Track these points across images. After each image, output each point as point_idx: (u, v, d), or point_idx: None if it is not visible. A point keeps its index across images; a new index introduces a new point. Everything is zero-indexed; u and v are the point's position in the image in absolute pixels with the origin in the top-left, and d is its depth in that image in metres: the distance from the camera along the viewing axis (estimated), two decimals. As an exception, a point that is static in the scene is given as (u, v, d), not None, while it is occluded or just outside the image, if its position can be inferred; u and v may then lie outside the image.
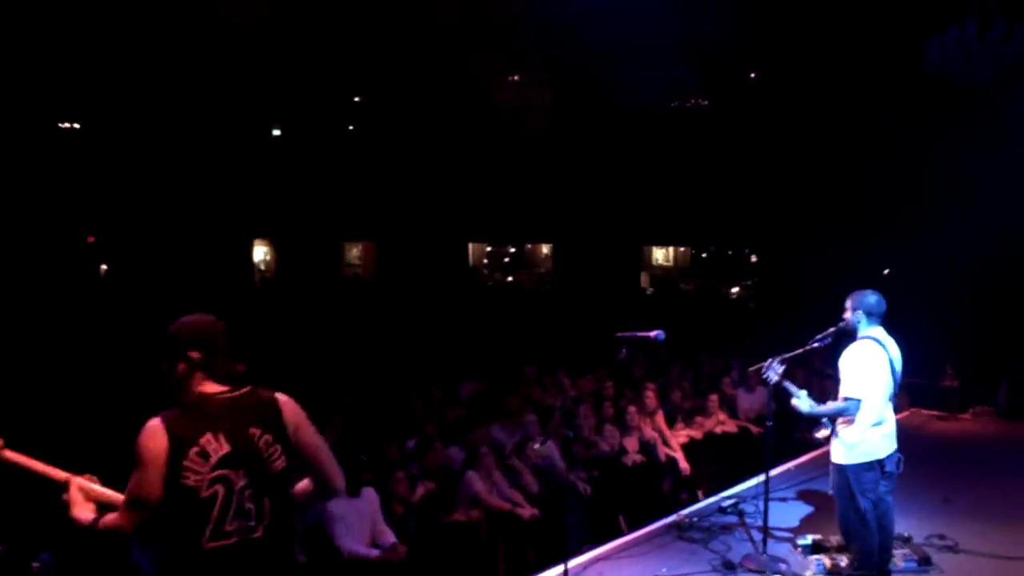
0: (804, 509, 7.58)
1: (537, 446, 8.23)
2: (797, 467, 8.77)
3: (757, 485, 7.25)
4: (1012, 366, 11.32)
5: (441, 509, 7.23)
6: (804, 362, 10.92)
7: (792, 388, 5.96)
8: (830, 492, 5.93)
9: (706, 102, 18.24)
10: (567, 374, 10.71)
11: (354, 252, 23.87)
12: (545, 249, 23.56)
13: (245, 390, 3.23)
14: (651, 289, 21.64)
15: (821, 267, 14.01)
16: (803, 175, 15.37)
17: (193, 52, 15.90)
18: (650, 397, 9.66)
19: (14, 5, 14.03)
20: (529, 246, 24.56)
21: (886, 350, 5.73)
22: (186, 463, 3.00)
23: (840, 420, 5.73)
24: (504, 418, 8.90)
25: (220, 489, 3.06)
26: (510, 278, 23.53)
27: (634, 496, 8.37)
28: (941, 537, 6.84)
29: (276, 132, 20.31)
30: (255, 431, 3.15)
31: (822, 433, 5.88)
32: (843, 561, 6.16)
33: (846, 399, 5.62)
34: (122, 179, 16.99)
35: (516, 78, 19.45)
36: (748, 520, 7.19)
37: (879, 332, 5.78)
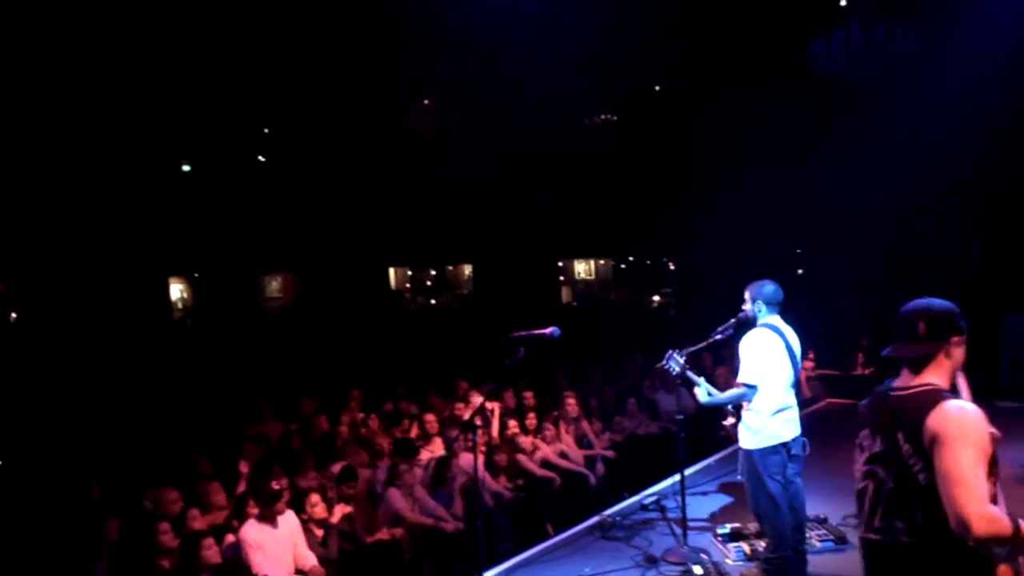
0: (723, 500, 7.71)
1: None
2: (717, 461, 8.91)
3: (677, 481, 7.34)
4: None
5: (363, 529, 7.16)
6: (726, 361, 11.15)
7: (694, 377, 6.07)
8: (739, 478, 6.03)
9: (615, 117, 18.55)
10: (489, 388, 10.71)
11: (274, 285, 23.56)
12: (467, 270, 23.59)
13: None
14: (574, 302, 21.82)
15: (734, 270, 14.29)
16: (710, 181, 15.69)
17: (95, 90, 15.57)
18: (571, 405, 9.76)
19: None
20: (451, 268, 24.57)
21: (783, 337, 5.87)
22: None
23: (744, 407, 5.84)
24: (425, 435, 8.89)
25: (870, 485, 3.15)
26: (433, 300, 23.48)
27: (560, 502, 8.41)
28: (856, 516, 6.98)
29: (185, 168, 19.97)
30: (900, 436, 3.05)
31: (728, 421, 6.00)
32: (761, 546, 6.27)
33: (743, 385, 5.74)
34: (28, 223, 16.51)
35: (427, 101, 19.49)
36: (669, 515, 7.28)
37: (776, 320, 5.92)
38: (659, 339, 14.68)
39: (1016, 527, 2.84)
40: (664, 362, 6.23)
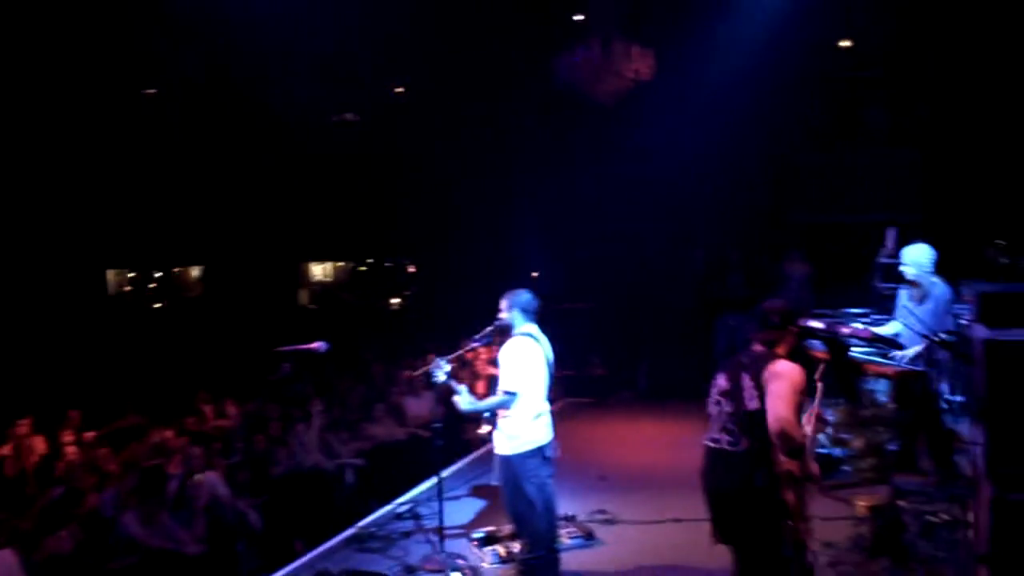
0: (476, 504, 7.81)
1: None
2: (467, 465, 9.03)
3: (431, 488, 7.36)
4: (648, 352, 12.52)
5: (96, 558, 6.54)
6: (467, 364, 11.32)
7: (455, 386, 6.08)
8: (494, 483, 6.13)
9: (357, 117, 18.27)
10: (231, 400, 10.19)
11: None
12: (196, 272, 22.31)
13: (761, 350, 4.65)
14: (312, 305, 21.28)
15: (475, 274, 14.57)
16: (451, 186, 15.90)
17: None
18: (317, 414, 9.50)
19: None
20: (177, 270, 23.09)
21: (541, 345, 6.04)
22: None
23: (502, 413, 5.93)
24: (163, 453, 8.27)
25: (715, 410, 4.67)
26: (158, 304, 21.96)
27: (309, 516, 8.14)
28: (601, 512, 7.37)
29: None
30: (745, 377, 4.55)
31: (484, 428, 6.07)
32: (516, 547, 6.39)
33: (505, 392, 5.83)
34: None
35: (152, 91, 18.20)
36: (425, 522, 7.26)
37: (533, 329, 6.07)
38: (400, 342, 14.73)
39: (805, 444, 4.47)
40: (431, 370, 6.17)
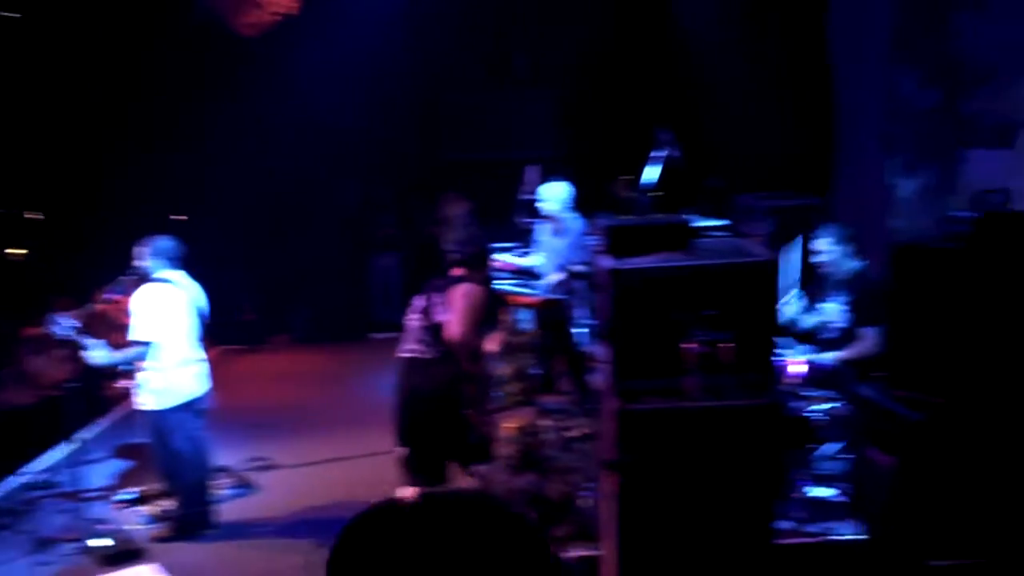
0: (120, 465, 7.30)
1: None
2: (111, 425, 8.42)
3: (69, 453, 6.75)
4: (303, 294, 12.32)
5: None
6: (103, 316, 10.46)
7: (83, 340, 5.61)
8: (139, 439, 5.81)
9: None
10: None
11: None
12: None
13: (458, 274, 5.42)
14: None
15: (112, 221, 13.43)
16: (82, 127, 14.43)
17: None
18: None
19: None
20: None
21: (183, 291, 5.74)
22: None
23: (142, 366, 5.58)
24: None
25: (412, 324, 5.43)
26: None
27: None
28: (257, 459, 7.22)
29: None
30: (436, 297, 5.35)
31: (123, 383, 5.71)
32: (168, 505, 6.08)
33: (134, 343, 5.50)
34: None
35: None
36: (62, 490, 6.65)
37: (176, 275, 5.76)
38: (24, 298, 13.21)
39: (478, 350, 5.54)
40: (50, 327, 5.62)
